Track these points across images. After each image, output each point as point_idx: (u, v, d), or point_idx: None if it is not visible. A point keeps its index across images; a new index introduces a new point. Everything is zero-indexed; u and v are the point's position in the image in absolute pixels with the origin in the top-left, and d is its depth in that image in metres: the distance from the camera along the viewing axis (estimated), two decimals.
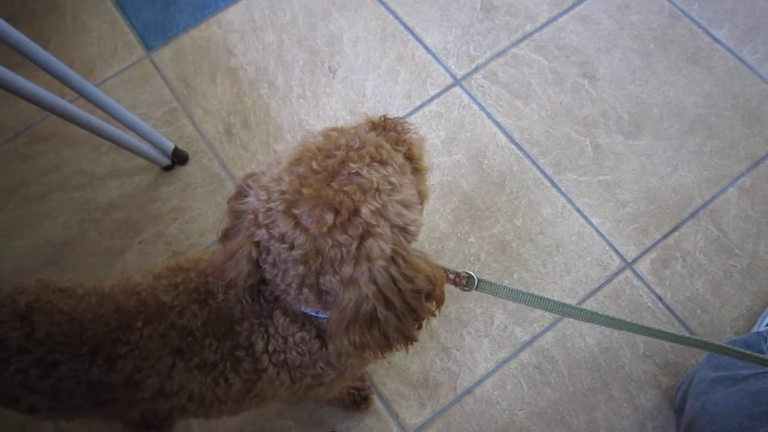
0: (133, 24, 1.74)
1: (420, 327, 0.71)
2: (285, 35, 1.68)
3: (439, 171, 1.49)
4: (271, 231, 0.65)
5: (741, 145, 1.49)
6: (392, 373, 1.31)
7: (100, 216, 1.52)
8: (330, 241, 0.62)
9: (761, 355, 0.83)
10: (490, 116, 1.55)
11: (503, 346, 1.33)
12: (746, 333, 1.30)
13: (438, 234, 1.43)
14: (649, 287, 1.36)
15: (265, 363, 0.78)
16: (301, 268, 0.65)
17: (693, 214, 1.43)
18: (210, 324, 0.78)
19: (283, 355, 0.78)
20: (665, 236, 1.41)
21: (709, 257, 1.39)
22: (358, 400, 1.25)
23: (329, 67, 1.63)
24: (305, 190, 0.64)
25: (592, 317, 0.89)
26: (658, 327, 1.31)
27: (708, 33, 1.61)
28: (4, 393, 0.75)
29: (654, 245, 1.40)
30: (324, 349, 0.79)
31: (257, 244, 0.67)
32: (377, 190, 0.64)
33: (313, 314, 0.76)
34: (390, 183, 0.66)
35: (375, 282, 0.63)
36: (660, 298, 1.35)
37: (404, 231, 0.66)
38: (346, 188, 0.63)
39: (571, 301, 1.36)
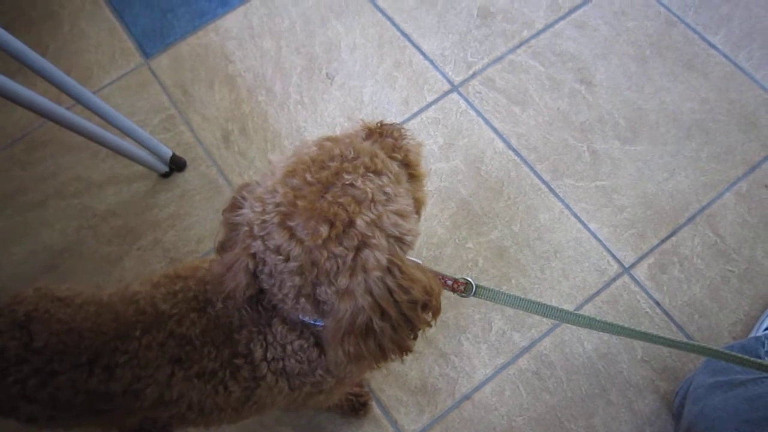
0: (131, 31, 1.75)
1: (416, 337, 0.71)
2: (283, 42, 1.69)
3: (436, 177, 1.50)
4: (266, 243, 0.65)
5: (737, 150, 1.49)
6: (390, 380, 1.31)
7: (98, 223, 1.51)
8: (325, 253, 0.63)
9: (759, 360, 0.83)
10: (487, 122, 1.55)
11: (501, 351, 1.33)
12: (744, 338, 1.31)
13: (436, 240, 1.43)
14: (646, 292, 1.37)
15: (263, 371, 0.79)
16: (297, 279, 0.65)
17: (690, 219, 1.43)
18: (208, 332, 0.78)
19: (281, 363, 0.79)
20: (663, 241, 1.41)
21: (706, 262, 1.39)
22: (357, 406, 1.25)
23: (327, 74, 1.64)
24: (300, 202, 0.64)
25: (590, 323, 0.90)
26: (656, 332, 1.33)
27: (704, 39, 1.62)
28: (3, 403, 0.75)
29: (651, 250, 1.41)
30: (323, 356, 0.79)
31: (253, 255, 0.67)
32: (372, 200, 0.64)
33: (312, 322, 0.76)
34: (385, 193, 0.66)
35: (371, 293, 0.63)
36: (658, 303, 1.36)
37: (400, 241, 0.66)
38: (340, 200, 0.63)
39: (569, 307, 1.36)
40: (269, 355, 0.78)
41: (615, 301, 1.37)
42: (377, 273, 0.63)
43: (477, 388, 1.30)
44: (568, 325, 1.33)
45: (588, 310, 1.36)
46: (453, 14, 1.69)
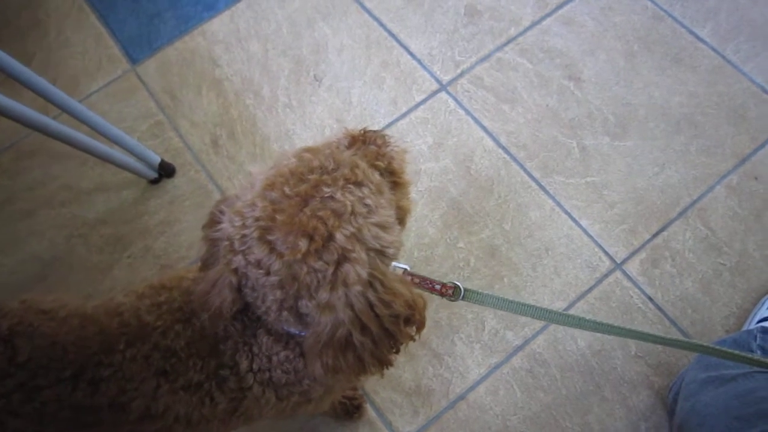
0: (117, 37, 1.74)
1: (398, 351, 0.70)
2: (270, 45, 1.68)
3: (426, 177, 1.49)
4: (247, 257, 0.65)
5: (727, 144, 1.49)
6: (384, 382, 1.31)
7: (88, 231, 1.51)
8: (305, 268, 0.62)
9: (748, 355, 0.83)
10: (476, 121, 1.55)
11: (495, 351, 1.33)
12: (737, 331, 1.31)
13: (427, 240, 1.43)
14: (639, 288, 1.37)
15: (250, 382, 0.78)
16: (278, 293, 0.64)
17: (681, 214, 1.43)
18: (194, 344, 0.77)
19: (268, 374, 0.78)
20: (654, 236, 1.41)
21: (698, 256, 1.39)
22: (351, 409, 1.25)
23: (315, 76, 1.63)
24: (279, 216, 0.64)
25: (580, 323, 0.89)
26: (649, 327, 1.33)
27: (691, 32, 1.62)
28: None
29: (643, 246, 1.40)
30: None
31: (236, 270, 0.67)
32: (352, 213, 0.64)
33: (297, 333, 0.75)
34: (365, 205, 0.65)
35: (352, 307, 0.63)
36: (650, 299, 1.36)
37: (381, 254, 0.66)
38: (319, 213, 0.63)
39: (562, 304, 1.36)
40: (255, 366, 0.77)
41: (608, 297, 1.36)
42: (358, 287, 0.63)
43: (471, 388, 1.30)
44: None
45: (581, 307, 1.36)
46: (440, 13, 1.69)
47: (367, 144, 0.77)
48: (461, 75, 1.61)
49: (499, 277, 1.39)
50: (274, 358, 0.77)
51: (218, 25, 1.72)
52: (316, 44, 1.67)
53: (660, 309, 1.35)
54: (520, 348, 1.33)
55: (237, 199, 0.69)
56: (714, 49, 1.59)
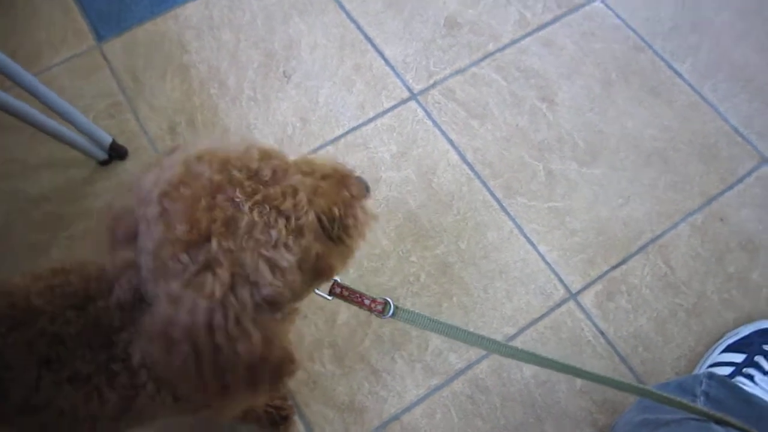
0: (87, 12, 1.68)
1: (225, 393, 0.64)
2: (242, 35, 1.63)
3: (386, 186, 1.44)
4: (146, 211, 0.61)
5: (695, 181, 1.46)
6: (317, 394, 1.25)
7: (29, 208, 1.44)
8: (171, 252, 0.58)
9: (685, 402, 0.79)
10: (443, 133, 1.50)
11: (436, 372, 1.27)
12: (686, 374, 1.26)
13: (378, 251, 1.37)
14: (591, 321, 1.32)
15: (143, 378, 0.71)
16: (149, 260, 0.60)
17: (642, 248, 1.39)
18: (86, 333, 0.70)
19: None
20: (612, 268, 1.37)
21: (655, 293, 1.35)
22: (277, 420, 1.18)
23: (284, 72, 1.58)
24: (183, 189, 0.59)
25: (514, 353, 0.85)
26: (599, 362, 1.28)
27: (670, 67, 1.59)
28: None
29: (600, 277, 1.36)
30: None
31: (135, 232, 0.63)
32: (247, 233, 0.58)
33: None
34: (268, 234, 0.59)
35: (193, 317, 0.57)
36: (602, 333, 1.31)
37: (255, 288, 0.59)
38: (215, 212, 0.58)
39: (511, 330, 1.31)
40: (149, 361, 0.71)
41: (558, 327, 1.32)
42: (204, 303, 0.57)
43: (407, 409, 1.24)
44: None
45: (530, 335, 1.31)
46: (419, 21, 1.65)
47: (343, 186, 0.70)
48: (433, 86, 1.56)
49: (449, 296, 1.34)
50: None
51: (192, 10, 1.67)
52: (289, 40, 1.62)
53: (611, 344, 1.30)
54: (462, 372, 1.27)
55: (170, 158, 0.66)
56: (691, 86, 1.57)
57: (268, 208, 0.60)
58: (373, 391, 1.25)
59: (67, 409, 0.71)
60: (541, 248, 1.39)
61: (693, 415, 0.85)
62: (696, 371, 1.26)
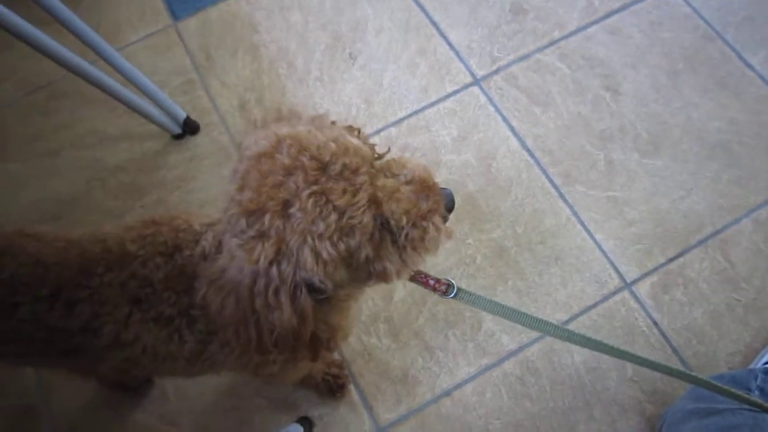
0: None
1: (260, 353, 0.68)
2: (311, 17, 1.68)
3: (446, 169, 1.47)
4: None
5: (761, 177, 1.43)
6: (372, 366, 1.30)
7: (107, 176, 1.53)
8: (236, 211, 0.63)
9: (743, 394, 0.80)
10: (505, 119, 1.52)
11: (488, 352, 1.31)
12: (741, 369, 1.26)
13: None
14: (645, 311, 1.33)
15: (218, 326, 0.78)
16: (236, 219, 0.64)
17: (701, 242, 1.38)
18: (172, 278, 0.77)
19: None
20: (669, 261, 1.37)
21: (712, 287, 1.34)
22: (334, 387, 1.24)
23: (350, 54, 1.62)
24: (264, 162, 0.64)
25: (570, 337, 0.87)
26: (650, 353, 1.29)
27: (741, 58, 1.56)
28: None
29: (656, 269, 1.36)
30: None
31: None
32: (297, 218, 0.61)
33: None
34: (317, 224, 0.62)
35: (240, 274, 0.62)
36: (656, 323, 1.31)
37: (298, 268, 0.62)
38: (277, 189, 0.62)
39: (564, 316, 1.33)
40: (201, 302, 0.76)
41: (612, 315, 1.33)
42: (252, 267, 0.61)
43: (458, 386, 1.28)
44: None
45: (582, 322, 1.33)
46: (485, 7, 1.66)
47: (421, 194, 0.68)
48: (497, 72, 1.58)
49: (504, 279, 1.37)
50: None
51: None
52: (356, 22, 1.66)
53: (664, 335, 1.30)
54: (513, 353, 1.30)
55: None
56: (763, 78, 1.53)
57: (324, 199, 0.61)
58: (426, 366, 1.30)
59: (150, 346, 0.78)
60: (598, 236, 1.39)
61: (746, 406, 0.86)
62: (751, 367, 1.26)
